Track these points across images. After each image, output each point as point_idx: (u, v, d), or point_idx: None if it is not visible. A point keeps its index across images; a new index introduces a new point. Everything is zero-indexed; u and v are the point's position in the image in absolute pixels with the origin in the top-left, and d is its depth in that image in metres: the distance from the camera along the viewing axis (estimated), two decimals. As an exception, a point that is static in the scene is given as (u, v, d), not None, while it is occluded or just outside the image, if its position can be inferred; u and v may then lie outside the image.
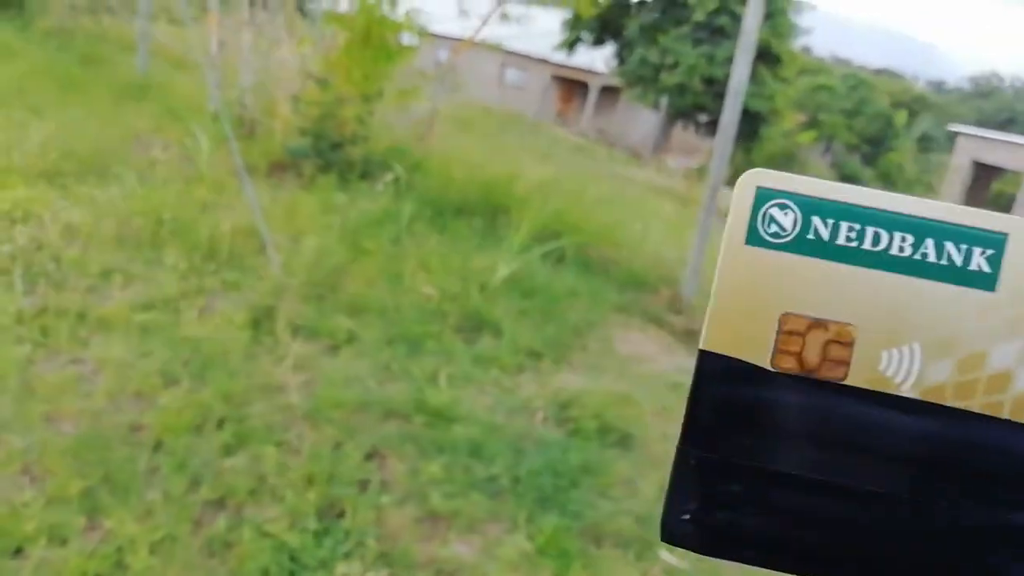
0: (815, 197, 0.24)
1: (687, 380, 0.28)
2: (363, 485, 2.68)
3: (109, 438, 2.59)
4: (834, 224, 0.24)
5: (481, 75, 30.28)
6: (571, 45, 26.07)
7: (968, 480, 0.24)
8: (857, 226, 0.24)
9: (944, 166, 26.25)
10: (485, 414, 3.24)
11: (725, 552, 0.25)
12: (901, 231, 0.23)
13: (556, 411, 3.42)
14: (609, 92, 29.08)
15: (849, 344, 0.24)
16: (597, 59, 28.34)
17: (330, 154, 5.99)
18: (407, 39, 6.48)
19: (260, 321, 3.54)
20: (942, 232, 0.23)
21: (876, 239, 0.24)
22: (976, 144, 22.01)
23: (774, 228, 0.24)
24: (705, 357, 0.26)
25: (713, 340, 0.25)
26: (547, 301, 4.56)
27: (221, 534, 2.32)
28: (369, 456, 2.84)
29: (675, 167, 20.78)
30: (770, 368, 0.25)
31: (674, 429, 0.30)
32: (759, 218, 0.25)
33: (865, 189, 0.24)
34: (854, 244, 0.24)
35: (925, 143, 39.09)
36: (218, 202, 4.77)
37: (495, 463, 2.90)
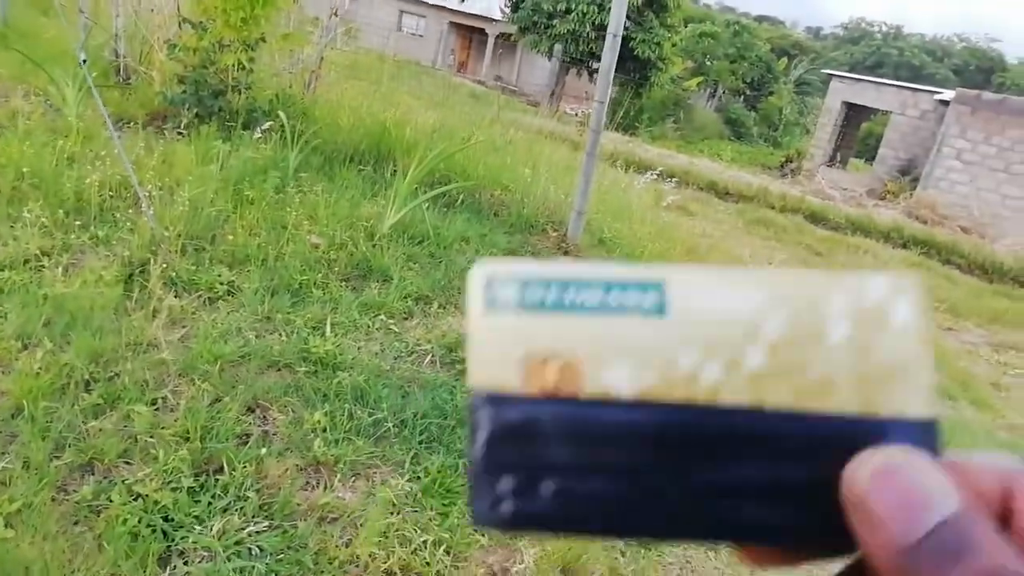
0: (529, 275, 0.33)
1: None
2: (243, 438, 2.59)
3: (-38, 407, 2.42)
4: (544, 290, 0.33)
5: (378, 23, 29.50)
6: (465, -9, 25.57)
7: (684, 452, 0.32)
8: (562, 289, 0.33)
9: (820, 108, 27.36)
10: (371, 360, 3.19)
11: (522, 529, 0.34)
12: (594, 289, 0.33)
13: (444, 354, 3.39)
14: (508, 39, 28.76)
15: (577, 369, 0.32)
16: (495, 5, 27.94)
17: (211, 102, 5.70)
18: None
19: (132, 276, 3.36)
20: (622, 285, 0.33)
21: (577, 296, 0.33)
22: (847, 86, 23.27)
23: (503, 298, 0.33)
24: (474, 393, 0.34)
25: (478, 380, 0.33)
26: (436, 246, 4.50)
27: (87, 499, 2.20)
28: (249, 409, 2.75)
29: (571, 113, 20.81)
30: (522, 393, 0.33)
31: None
32: (492, 292, 0.33)
33: (564, 266, 0.34)
34: (564, 301, 0.33)
35: (803, 87, 41.28)
36: (87, 154, 4.47)
37: (380, 408, 2.86)
